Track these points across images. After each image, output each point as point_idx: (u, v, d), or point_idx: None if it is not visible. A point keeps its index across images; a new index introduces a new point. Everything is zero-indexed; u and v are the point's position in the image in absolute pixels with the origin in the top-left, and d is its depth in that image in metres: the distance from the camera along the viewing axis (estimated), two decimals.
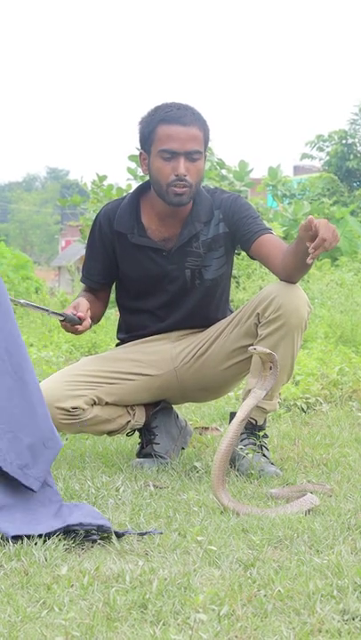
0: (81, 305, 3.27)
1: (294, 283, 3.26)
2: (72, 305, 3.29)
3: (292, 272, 3.21)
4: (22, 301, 3.26)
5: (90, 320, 3.28)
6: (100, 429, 3.37)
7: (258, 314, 3.26)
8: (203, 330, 3.46)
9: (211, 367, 3.41)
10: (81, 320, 3.23)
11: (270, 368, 2.90)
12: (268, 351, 2.88)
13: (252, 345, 3.19)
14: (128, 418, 3.42)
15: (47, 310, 3.23)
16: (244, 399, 3.09)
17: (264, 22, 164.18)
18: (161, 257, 3.37)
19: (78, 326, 3.24)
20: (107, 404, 3.34)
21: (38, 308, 3.26)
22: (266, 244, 3.28)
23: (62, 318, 3.23)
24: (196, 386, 3.47)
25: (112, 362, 3.40)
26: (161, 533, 2.40)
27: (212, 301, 3.44)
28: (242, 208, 3.35)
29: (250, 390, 3.00)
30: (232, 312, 3.51)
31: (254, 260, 3.38)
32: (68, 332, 3.30)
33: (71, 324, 3.24)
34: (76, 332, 3.28)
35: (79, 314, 3.23)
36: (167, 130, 3.23)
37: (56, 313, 3.23)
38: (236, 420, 2.79)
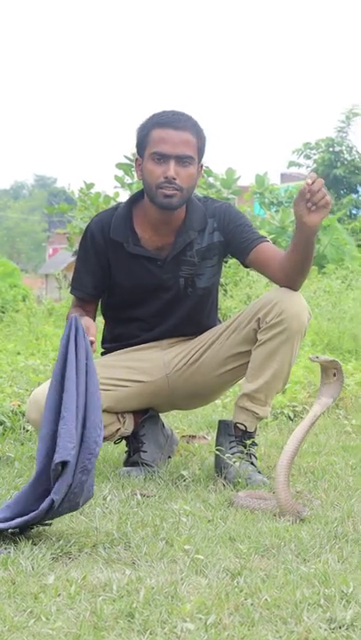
0: (91, 329, 3.08)
1: (296, 289, 3.26)
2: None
3: (294, 275, 3.21)
4: None
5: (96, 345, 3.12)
6: None
7: (259, 319, 3.26)
8: (193, 337, 3.45)
9: (204, 373, 3.41)
10: (92, 344, 3.16)
11: (334, 374, 2.86)
12: (331, 358, 2.86)
13: (250, 349, 3.25)
14: (118, 425, 3.42)
15: None
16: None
17: (252, 30, 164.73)
18: (155, 266, 3.36)
19: None
20: None
21: None
22: (264, 251, 3.29)
23: None
24: (186, 392, 3.46)
25: (105, 369, 3.38)
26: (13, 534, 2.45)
27: (204, 309, 3.44)
28: (236, 217, 3.36)
29: (317, 398, 2.93)
30: (220, 321, 3.51)
31: (249, 268, 3.38)
32: None
33: None
34: None
35: (91, 338, 3.15)
36: (160, 133, 3.24)
37: None
38: (301, 428, 2.77)
